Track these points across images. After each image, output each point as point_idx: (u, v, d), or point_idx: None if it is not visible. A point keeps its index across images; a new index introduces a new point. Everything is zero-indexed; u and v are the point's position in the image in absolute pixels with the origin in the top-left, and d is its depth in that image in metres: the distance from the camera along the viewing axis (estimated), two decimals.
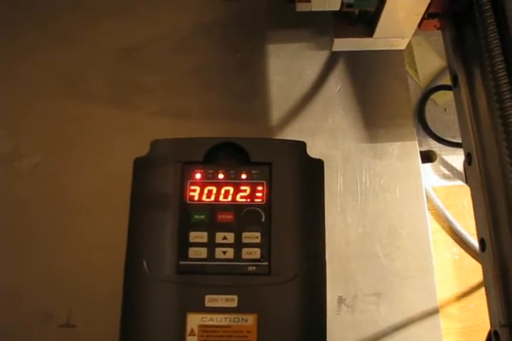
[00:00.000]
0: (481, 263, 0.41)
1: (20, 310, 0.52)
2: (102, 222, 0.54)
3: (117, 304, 0.44)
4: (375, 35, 0.49)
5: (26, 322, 0.51)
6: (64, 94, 0.60)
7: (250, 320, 0.42)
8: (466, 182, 0.44)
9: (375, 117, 0.60)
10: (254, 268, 0.43)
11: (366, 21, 0.49)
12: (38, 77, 0.61)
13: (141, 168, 0.46)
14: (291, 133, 0.58)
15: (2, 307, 0.52)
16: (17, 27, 0.63)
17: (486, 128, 0.41)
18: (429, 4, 0.45)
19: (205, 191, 0.45)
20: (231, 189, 0.45)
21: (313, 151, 0.48)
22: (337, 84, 0.61)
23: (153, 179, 0.45)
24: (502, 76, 0.37)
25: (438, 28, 0.48)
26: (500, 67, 0.38)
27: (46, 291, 0.52)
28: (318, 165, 0.47)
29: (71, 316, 0.51)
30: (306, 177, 0.46)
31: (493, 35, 0.39)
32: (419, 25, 0.48)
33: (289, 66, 0.62)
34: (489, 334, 0.39)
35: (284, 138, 0.58)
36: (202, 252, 0.44)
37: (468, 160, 0.43)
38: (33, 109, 0.59)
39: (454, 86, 0.46)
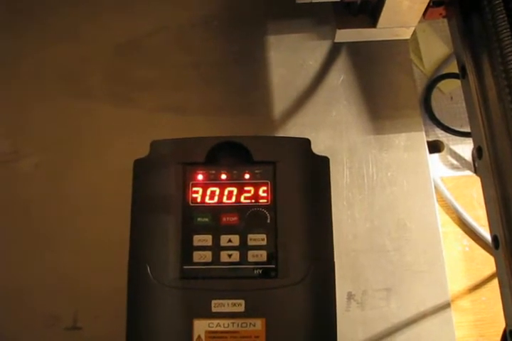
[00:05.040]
0: (494, 261, 0.40)
1: (26, 312, 0.51)
2: (105, 221, 0.53)
3: (124, 306, 0.43)
4: (378, 25, 0.48)
5: (32, 325, 0.51)
6: (63, 92, 0.59)
7: (258, 324, 0.41)
8: (475, 171, 0.43)
9: (380, 108, 0.58)
10: (260, 271, 0.43)
11: (368, 11, 0.48)
12: (36, 75, 0.60)
13: (142, 170, 0.45)
14: (294, 127, 0.57)
15: (8, 310, 0.51)
16: (14, 24, 0.62)
17: (496, 121, 0.39)
18: None
19: (208, 192, 0.44)
20: (234, 190, 0.44)
21: (317, 145, 0.47)
22: (340, 75, 0.60)
23: (154, 181, 0.44)
24: None
25: (444, 17, 0.47)
26: (511, 57, 0.37)
27: (52, 294, 0.52)
28: (323, 163, 0.45)
29: (77, 318, 0.51)
30: (312, 176, 0.45)
31: (503, 24, 0.38)
32: (424, 13, 0.47)
33: (291, 57, 0.60)
34: (504, 332, 0.38)
35: (287, 131, 0.57)
36: (206, 256, 0.43)
37: (479, 154, 0.41)
38: (31, 107, 0.58)
39: (462, 76, 0.44)
